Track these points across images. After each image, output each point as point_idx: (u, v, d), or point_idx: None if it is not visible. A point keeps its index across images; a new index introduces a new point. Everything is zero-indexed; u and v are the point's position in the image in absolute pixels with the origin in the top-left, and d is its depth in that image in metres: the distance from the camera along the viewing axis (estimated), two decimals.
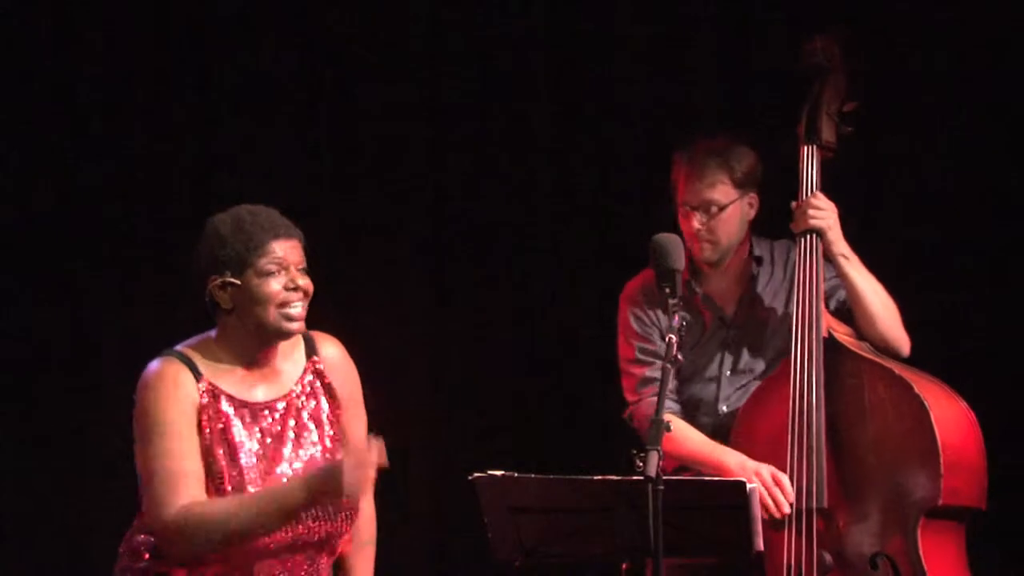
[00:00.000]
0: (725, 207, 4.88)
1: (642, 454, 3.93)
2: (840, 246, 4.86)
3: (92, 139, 5.99)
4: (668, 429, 3.99)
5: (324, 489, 3.89)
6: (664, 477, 3.92)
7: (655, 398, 4.75)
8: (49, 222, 5.97)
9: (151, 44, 6.00)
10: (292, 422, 4.12)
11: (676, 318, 4.15)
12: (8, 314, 5.95)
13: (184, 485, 3.96)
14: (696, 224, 4.88)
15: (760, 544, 4.14)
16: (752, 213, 4.95)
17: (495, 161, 5.96)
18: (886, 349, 4.85)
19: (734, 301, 4.98)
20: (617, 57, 5.92)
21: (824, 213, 4.85)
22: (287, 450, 4.09)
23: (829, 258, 4.87)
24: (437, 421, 5.89)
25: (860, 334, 4.87)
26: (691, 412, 4.94)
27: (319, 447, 4.11)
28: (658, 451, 3.91)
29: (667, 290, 4.19)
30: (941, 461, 4.58)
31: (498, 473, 4.10)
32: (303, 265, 4.13)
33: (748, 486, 4.10)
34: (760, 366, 4.95)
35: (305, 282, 4.11)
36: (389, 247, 5.97)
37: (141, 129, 6.01)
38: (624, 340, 4.98)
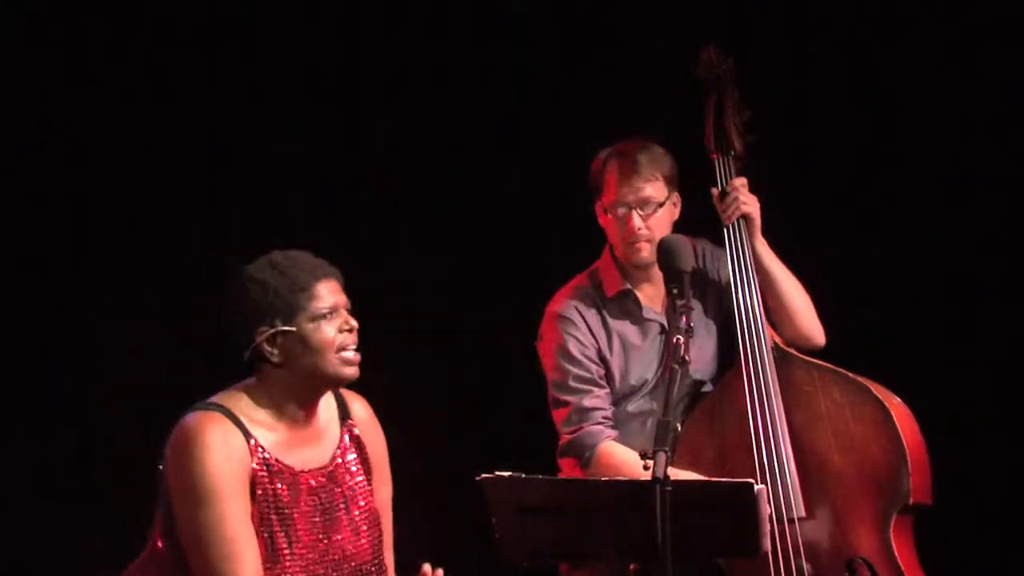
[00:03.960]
0: (662, 204, 4.87)
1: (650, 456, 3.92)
2: (760, 236, 4.94)
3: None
4: (675, 432, 3.96)
5: None
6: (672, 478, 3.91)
7: (597, 427, 4.81)
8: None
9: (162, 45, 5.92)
10: (338, 491, 3.97)
11: (684, 319, 4.10)
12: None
13: (245, 556, 3.78)
14: (636, 223, 4.83)
15: (767, 545, 4.15)
16: (676, 214, 4.94)
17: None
18: (804, 341, 4.92)
19: (662, 305, 4.94)
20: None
21: (750, 199, 4.93)
22: (339, 524, 3.95)
23: (750, 249, 4.92)
24: (444, 420, 5.86)
25: (778, 326, 4.92)
26: (634, 429, 4.89)
27: (366, 519, 3.99)
28: (666, 452, 3.89)
29: (675, 291, 4.15)
30: (908, 460, 4.69)
31: (505, 474, 4.05)
32: (349, 305, 3.98)
33: (755, 487, 4.11)
34: (699, 375, 4.94)
35: (354, 323, 3.96)
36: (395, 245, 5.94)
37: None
38: (555, 363, 4.87)
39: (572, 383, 4.85)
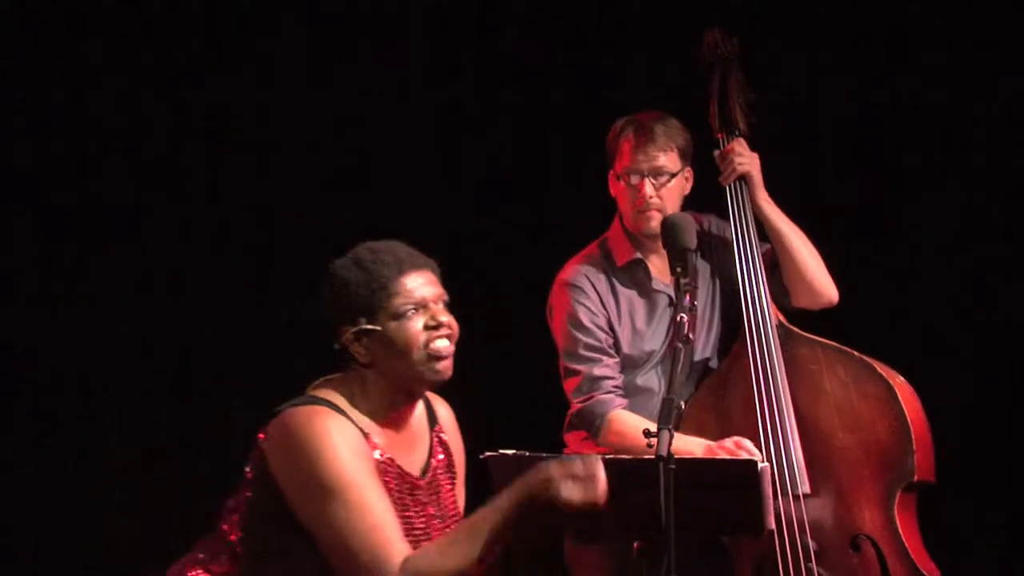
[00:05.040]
0: (674, 175, 4.87)
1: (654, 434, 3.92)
2: (764, 193, 4.94)
3: None
4: (679, 410, 3.96)
5: (538, 490, 3.61)
6: (676, 456, 3.91)
7: (608, 395, 4.81)
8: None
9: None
10: (435, 498, 3.82)
11: (688, 297, 4.08)
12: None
13: (393, 540, 3.60)
14: (648, 191, 4.84)
15: (771, 523, 4.16)
16: (687, 188, 4.95)
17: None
18: (816, 297, 4.93)
19: (668, 276, 4.91)
20: None
21: (749, 158, 4.93)
22: (433, 533, 3.79)
23: (754, 207, 4.92)
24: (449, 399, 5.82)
25: (788, 284, 4.92)
26: (640, 402, 4.89)
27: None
28: (670, 430, 3.86)
29: (679, 270, 4.13)
30: (913, 437, 4.70)
31: (510, 452, 4.02)
32: (443, 298, 3.78)
33: (759, 465, 4.11)
34: (706, 352, 4.95)
35: (448, 318, 3.75)
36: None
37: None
38: (566, 331, 4.88)
39: (583, 351, 4.86)
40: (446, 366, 3.75)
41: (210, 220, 5.97)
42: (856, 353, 4.81)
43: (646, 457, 3.90)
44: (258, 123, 6.00)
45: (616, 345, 4.90)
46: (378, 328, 3.69)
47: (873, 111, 5.75)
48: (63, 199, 5.96)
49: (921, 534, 4.78)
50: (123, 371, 5.95)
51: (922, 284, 5.72)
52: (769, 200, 4.94)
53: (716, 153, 4.97)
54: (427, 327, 3.72)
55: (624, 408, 4.83)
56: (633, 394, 4.91)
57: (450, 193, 6.01)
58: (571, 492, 3.60)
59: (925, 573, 4.67)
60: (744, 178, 4.94)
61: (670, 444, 3.80)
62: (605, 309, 4.91)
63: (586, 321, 4.88)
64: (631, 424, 4.76)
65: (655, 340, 4.93)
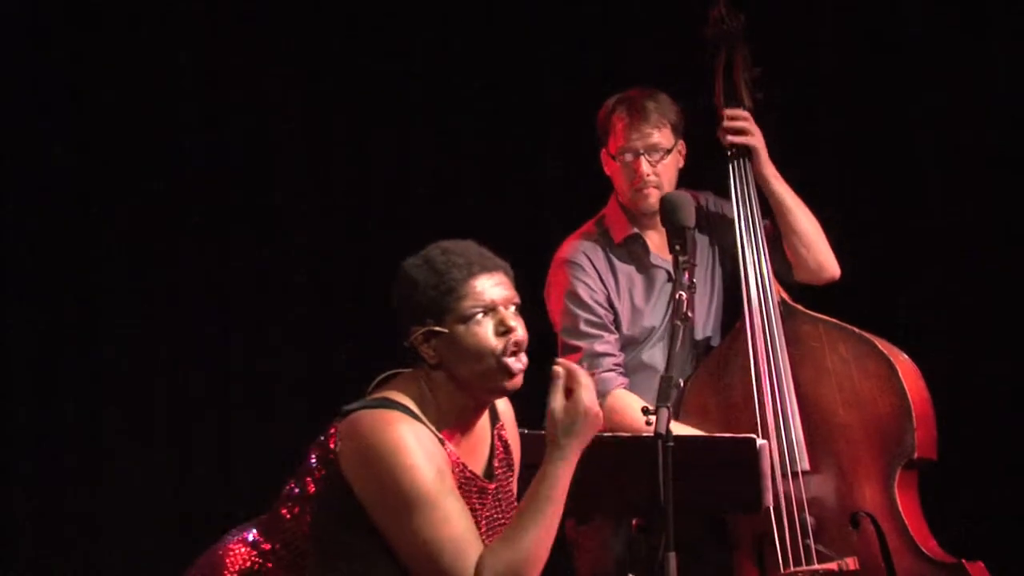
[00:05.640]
0: (669, 151, 4.87)
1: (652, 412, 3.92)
2: (770, 166, 4.92)
3: None
4: (679, 387, 3.98)
5: (574, 429, 3.59)
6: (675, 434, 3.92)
7: (609, 373, 4.81)
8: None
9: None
10: (500, 504, 3.72)
11: (686, 275, 4.07)
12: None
13: (473, 543, 3.52)
14: (644, 169, 4.84)
15: (770, 500, 4.18)
16: (682, 162, 4.94)
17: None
18: (818, 270, 4.92)
19: (666, 252, 4.89)
20: None
21: (754, 130, 4.91)
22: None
23: (758, 180, 4.91)
24: None
25: (792, 256, 4.91)
26: (644, 379, 4.87)
27: None
28: (668, 408, 3.86)
29: (677, 247, 4.12)
30: (913, 415, 4.71)
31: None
32: (514, 302, 3.66)
33: (758, 442, 4.13)
34: (707, 330, 4.95)
35: (517, 323, 3.63)
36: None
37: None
38: (565, 308, 4.88)
39: (583, 328, 4.86)
40: (516, 382, 3.65)
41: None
42: (857, 330, 4.81)
43: (645, 435, 3.92)
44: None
45: (616, 322, 4.90)
46: (445, 330, 3.60)
47: (875, 84, 5.75)
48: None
49: (923, 510, 4.79)
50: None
51: (924, 261, 5.73)
52: (776, 173, 4.92)
53: (721, 128, 4.95)
54: (496, 332, 3.61)
55: (625, 387, 4.84)
56: (637, 371, 4.91)
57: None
58: (588, 397, 3.60)
59: (925, 550, 4.67)
60: (748, 151, 4.93)
61: (669, 422, 3.78)
62: (604, 286, 4.91)
63: (586, 298, 4.88)
64: (630, 404, 4.76)
65: (655, 316, 4.93)
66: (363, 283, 5.89)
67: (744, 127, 4.91)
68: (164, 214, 6.01)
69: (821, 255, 4.93)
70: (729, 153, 4.93)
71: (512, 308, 3.65)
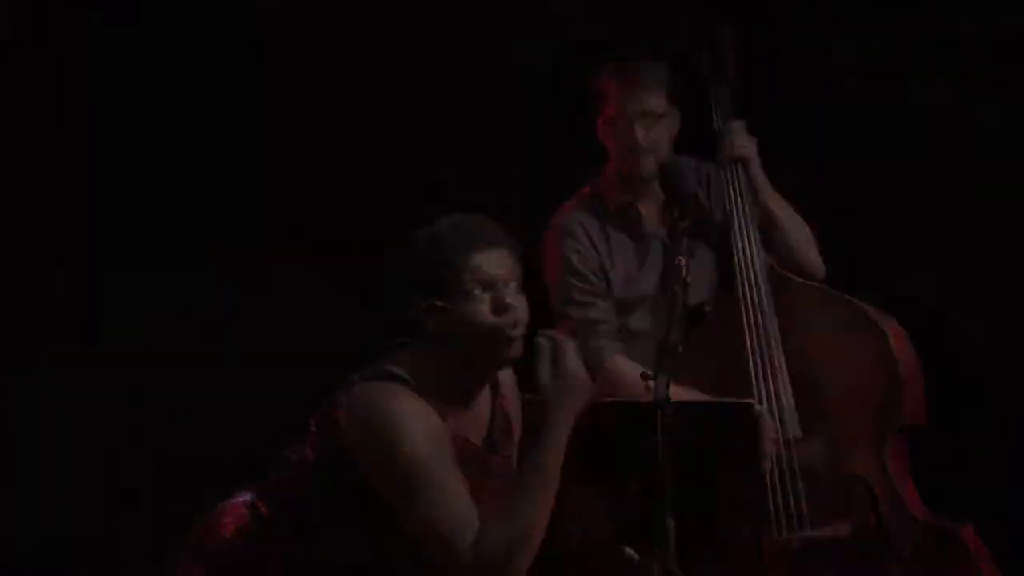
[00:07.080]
0: (663, 116, 4.89)
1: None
2: (762, 176, 4.94)
3: None
4: (677, 354, 3.98)
5: (563, 392, 3.60)
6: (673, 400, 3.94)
7: (604, 340, 4.83)
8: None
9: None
10: (500, 475, 3.73)
11: (685, 241, 4.11)
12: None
13: (469, 517, 3.53)
14: (639, 134, 4.85)
15: (768, 465, 4.20)
16: (676, 129, 4.95)
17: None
18: (801, 276, 4.92)
19: (663, 221, 4.95)
20: None
21: (748, 141, 4.92)
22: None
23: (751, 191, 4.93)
24: None
25: (780, 262, 4.94)
26: (634, 346, 4.90)
27: None
28: (667, 374, 3.91)
29: (676, 213, 4.16)
30: (903, 380, 4.74)
31: None
32: (516, 280, 3.63)
33: (756, 407, 4.15)
34: (699, 298, 4.97)
35: (516, 299, 3.61)
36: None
37: None
38: (559, 277, 4.91)
39: (577, 296, 4.88)
40: (511, 355, 3.64)
41: None
42: (847, 297, 4.84)
43: (643, 400, 3.93)
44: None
45: (609, 290, 4.92)
46: (444, 304, 3.59)
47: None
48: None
49: (912, 476, 4.82)
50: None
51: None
52: (765, 181, 4.94)
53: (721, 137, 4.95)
54: (494, 309, 3.60)
55: (620, 353, 4.85)
56: (626, 338, 4.93)
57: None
58: (572, 364, 3.62)
59: (916, 514, 4.71)
60: (741, 161, 4.92)
61: (668, 387, 3.80)
62: (598, 253, 4.92)
63: (579, 265, 4.90)
64: (627, 370, 4.77)
65: (647, 284, 4.95)
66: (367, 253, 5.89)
67: (739, 142, 4.91)
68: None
69: (808, 264, 4.96)
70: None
71: (513, 285, 3.63)
